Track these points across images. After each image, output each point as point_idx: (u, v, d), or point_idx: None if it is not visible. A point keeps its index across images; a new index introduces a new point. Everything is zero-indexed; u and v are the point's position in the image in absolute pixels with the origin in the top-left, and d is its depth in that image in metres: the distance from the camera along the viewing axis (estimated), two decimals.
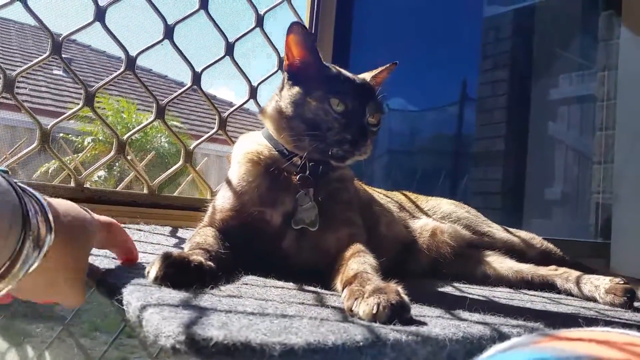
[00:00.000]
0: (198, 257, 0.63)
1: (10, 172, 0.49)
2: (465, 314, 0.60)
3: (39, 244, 0.46)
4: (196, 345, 0.40)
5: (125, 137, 1.21)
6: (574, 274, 0.99)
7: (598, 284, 0.92)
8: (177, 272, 0.58)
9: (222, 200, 0.82)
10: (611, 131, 2.10)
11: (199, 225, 0.83)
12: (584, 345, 0.34)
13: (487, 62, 2.81)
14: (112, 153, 1.19)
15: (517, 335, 0.50)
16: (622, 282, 0.91)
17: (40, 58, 1.10)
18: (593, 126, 2.39)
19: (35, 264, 0.47)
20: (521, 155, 2.63)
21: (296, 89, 0.82)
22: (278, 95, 0.86)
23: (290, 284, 0.69)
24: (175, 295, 0.52)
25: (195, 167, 1.33)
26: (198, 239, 0.74)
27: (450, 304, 0.67)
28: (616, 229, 1.82)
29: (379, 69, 0.95)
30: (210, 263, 0.64)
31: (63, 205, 0.55)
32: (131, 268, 0.66)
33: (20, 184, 0.47)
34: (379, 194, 1.14)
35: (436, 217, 1.19)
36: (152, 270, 0.58)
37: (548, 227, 2.59)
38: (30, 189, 0.49)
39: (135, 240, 0.83)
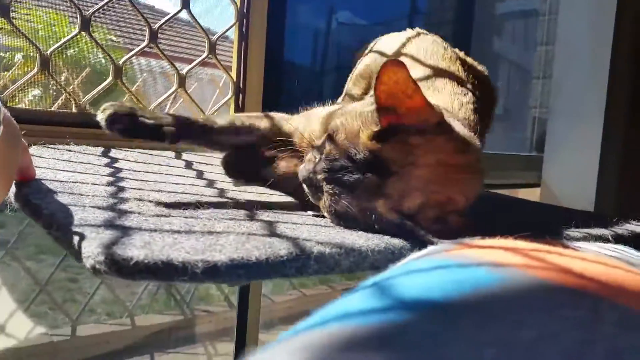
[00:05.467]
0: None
1: None
2: None
3: None
4: (116, 265, 0.39)
5: (48, 52, 1.13)
6: None
7: None
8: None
9: None
10: (551, 46, 2.13)
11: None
12: (490, 253, 0.35)
13: None
14: (36, 70, 1.10)
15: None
16: None
17: None
18: (535, 41, 2.40)
19: None
20: None
21: None
22: None
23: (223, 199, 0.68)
24: (98, 215, 0.51)
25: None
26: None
27: None
28: (549, 143, 1.89)
29: None
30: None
31: None
32: (52, 188, 0.63)
33: None
34: None
35: None
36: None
37: (488, 141, 2.66)
38: None
39: (64, 161, 0.81)
